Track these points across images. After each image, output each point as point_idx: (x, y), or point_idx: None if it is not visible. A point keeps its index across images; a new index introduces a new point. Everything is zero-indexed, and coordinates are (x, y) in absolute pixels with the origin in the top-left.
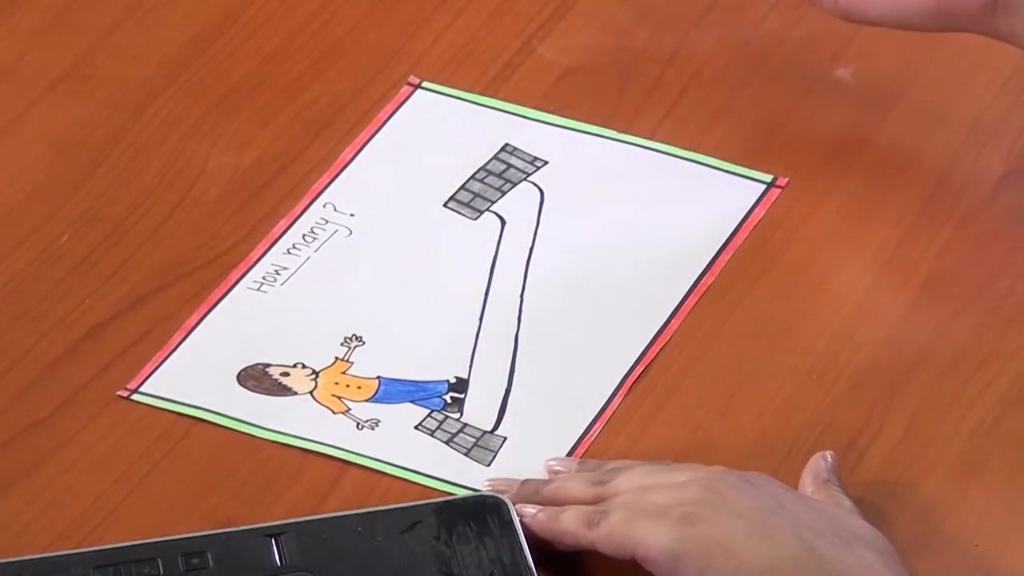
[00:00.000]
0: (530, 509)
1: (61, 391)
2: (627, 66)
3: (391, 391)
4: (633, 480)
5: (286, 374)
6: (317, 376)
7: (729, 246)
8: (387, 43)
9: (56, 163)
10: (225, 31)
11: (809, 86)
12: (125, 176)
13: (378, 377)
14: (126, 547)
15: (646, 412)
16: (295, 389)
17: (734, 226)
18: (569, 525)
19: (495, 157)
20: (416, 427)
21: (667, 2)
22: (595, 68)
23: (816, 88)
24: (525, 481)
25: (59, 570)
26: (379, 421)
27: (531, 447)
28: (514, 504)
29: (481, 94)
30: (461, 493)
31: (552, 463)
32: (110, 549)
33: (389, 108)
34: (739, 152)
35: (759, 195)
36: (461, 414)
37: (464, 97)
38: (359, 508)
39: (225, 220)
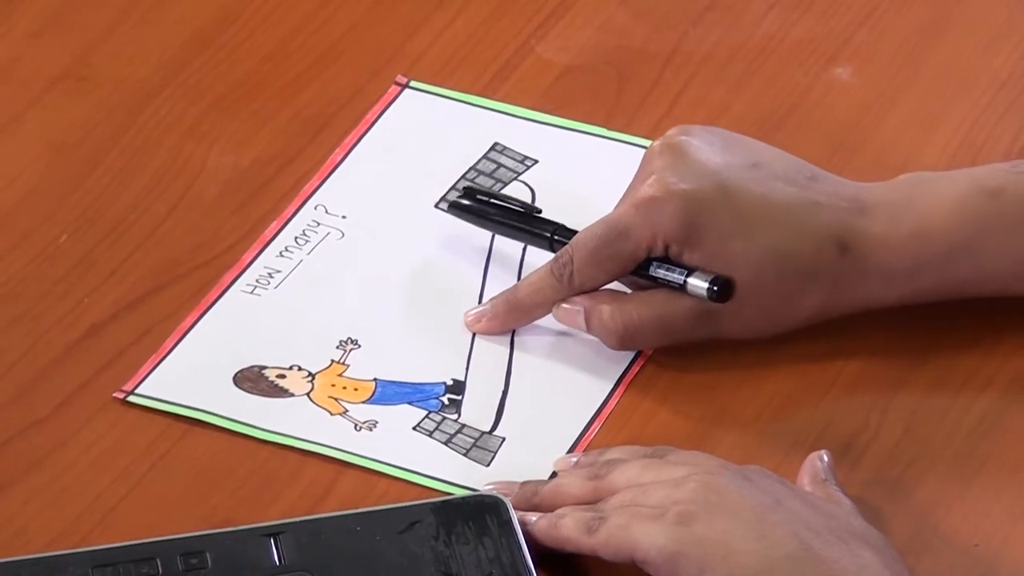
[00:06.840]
0: (531, 516)
1: (59, 391)
2: (626, 65)
3: (388, 393)
4: (630, 475)
5: (282, 376)
6: (314, 378)
7: None
8: (385, 44)
9: (54, 164)
10: (223, 31)
11: (807, 86)
12: (123, 176)
13: (375, 379)
14: (124, 547)
15: (644, 411)
16: (292, 391)
17: None
18: (569, 533)
19: (485, 156)
20: (414, 428)
21: (665, 2)
22: (594, 68)
23: (814, 88)
24: (524, 483)
25: (57, 570)
26: (377, 422)
27: (530, 447)
28: (515, 508)
29: (479, 94)
30: (460, 493)
31: (557, 463)
32: (108, 549)
33: (377, 109)
34: None
35: None
36: (459, 415)
37: (452, 96)
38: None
39: (223, 220)
